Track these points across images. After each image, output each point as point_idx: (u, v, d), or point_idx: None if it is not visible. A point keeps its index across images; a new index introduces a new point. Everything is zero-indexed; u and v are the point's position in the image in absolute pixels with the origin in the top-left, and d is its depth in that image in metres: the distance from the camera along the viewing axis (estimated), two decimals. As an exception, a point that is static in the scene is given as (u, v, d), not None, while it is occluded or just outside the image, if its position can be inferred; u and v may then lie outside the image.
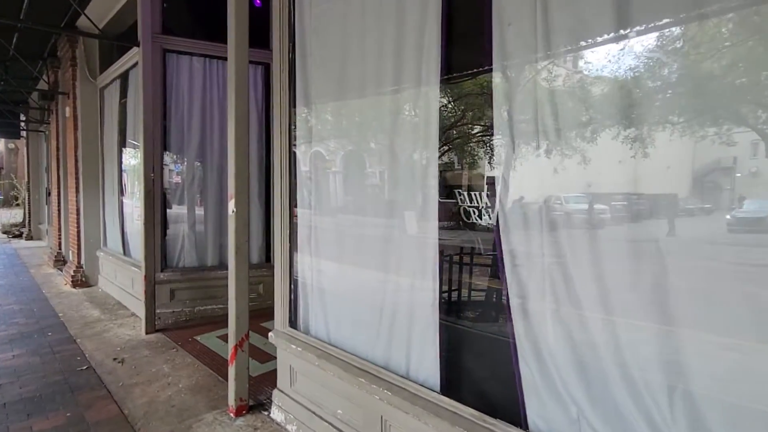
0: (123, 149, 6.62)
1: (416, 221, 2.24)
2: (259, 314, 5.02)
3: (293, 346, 2.91)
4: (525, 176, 1.83)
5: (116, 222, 6.81)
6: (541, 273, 1.79)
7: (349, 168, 2.75)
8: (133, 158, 6.28)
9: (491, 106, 1.89)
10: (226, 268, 5.81)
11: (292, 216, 3.09)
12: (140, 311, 5.46)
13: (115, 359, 4.22)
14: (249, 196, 3.22)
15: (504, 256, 1.86)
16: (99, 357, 4.28)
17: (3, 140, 27.73)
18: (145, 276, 4.86)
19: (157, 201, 5.14)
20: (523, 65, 1.82)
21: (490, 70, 1.89)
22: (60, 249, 8.90)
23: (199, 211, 5.57)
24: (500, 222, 1.87)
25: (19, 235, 14.13)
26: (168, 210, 5.44)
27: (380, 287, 2.48)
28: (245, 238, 3.13)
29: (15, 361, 4.15)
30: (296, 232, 3.08)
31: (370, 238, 2.56)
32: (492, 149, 1.92)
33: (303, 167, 3.03)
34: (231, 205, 3.11)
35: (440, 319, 2.16)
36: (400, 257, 2.37)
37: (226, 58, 5.86)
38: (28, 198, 13.81)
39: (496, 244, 1.89)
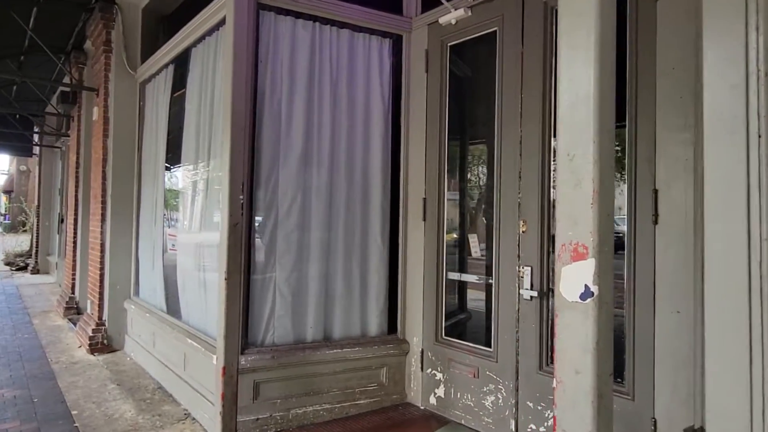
0: (173, 163, 4.70)
1: None
2: (386, 420, 3.44)
3: None
4: None
5: (157, 264, 4.83)
6: None
7: None
8: (189, 174, 4.34)
9: None
10: (335, 345, 3.56)
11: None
12: (201, 412, 3.40)
13: None
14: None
15: None
16: None
17: (15, 162, 26.17)
18: (225, 367, 2.84)
19: (244, 240, 3.17)
20: None
21: None
22: (73, 292, 6.91)
23: (294, 252, 3.57)
24: None
25: (24, 267, 12.17)
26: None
27: None
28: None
29: None
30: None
31: None
32: None
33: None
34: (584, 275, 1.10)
35: None
36: None
37: (343, 24, 3.99)
38: (37, 224, 11.91)
39: None
